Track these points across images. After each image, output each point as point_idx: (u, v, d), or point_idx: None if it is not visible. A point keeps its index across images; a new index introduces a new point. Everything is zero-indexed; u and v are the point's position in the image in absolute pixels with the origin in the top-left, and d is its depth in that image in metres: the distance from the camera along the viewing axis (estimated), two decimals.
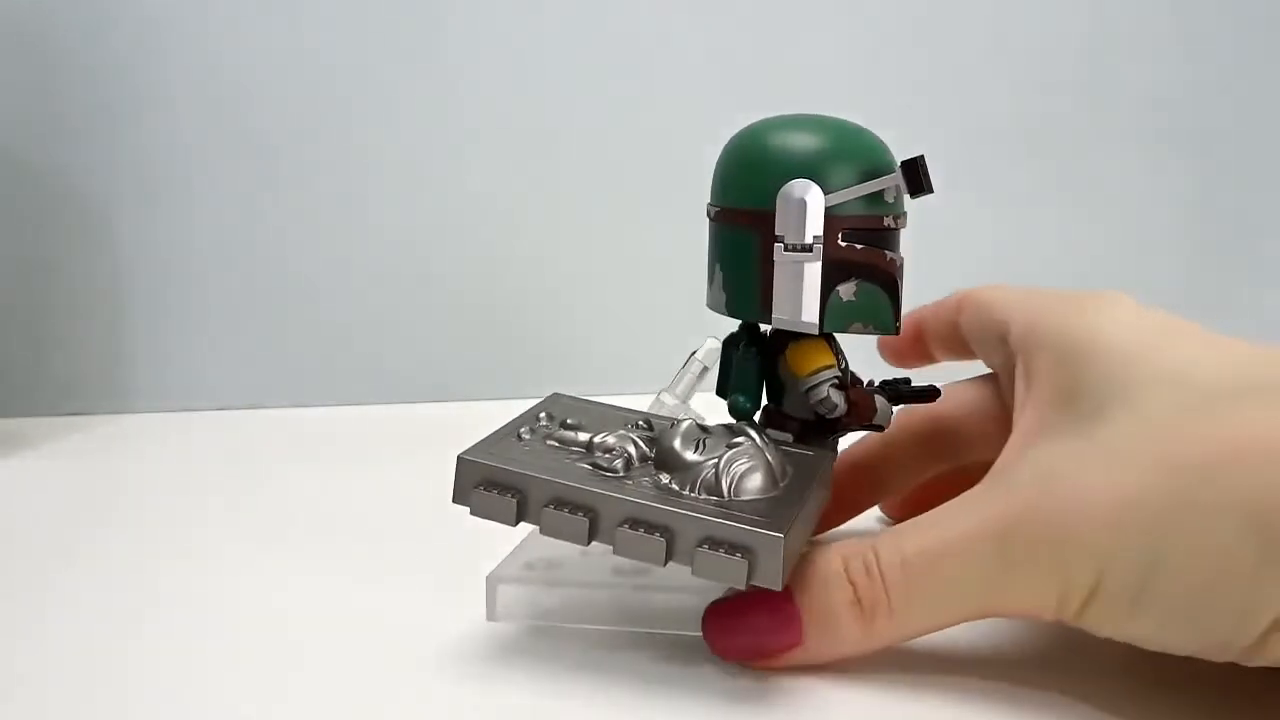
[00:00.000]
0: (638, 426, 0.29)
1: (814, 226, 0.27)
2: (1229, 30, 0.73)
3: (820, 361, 0.29)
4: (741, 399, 0.30)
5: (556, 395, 0.31)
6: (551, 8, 0.59)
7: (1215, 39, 0.73)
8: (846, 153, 0.28)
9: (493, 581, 0.28)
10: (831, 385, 0.29)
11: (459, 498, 0.25)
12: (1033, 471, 0.24)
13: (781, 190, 0.27)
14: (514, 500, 0.25)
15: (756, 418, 0.31)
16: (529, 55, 0.59)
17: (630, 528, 0.24)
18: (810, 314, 0.28)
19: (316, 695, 0.25)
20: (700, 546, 0.23)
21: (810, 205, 0.27)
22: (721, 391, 0.32)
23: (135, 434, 0.51)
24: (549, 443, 0.28)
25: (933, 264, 0.67)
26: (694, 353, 0.31)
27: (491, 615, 0.28)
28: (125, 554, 0.34)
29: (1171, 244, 0.75)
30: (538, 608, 0.28)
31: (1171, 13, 0.71)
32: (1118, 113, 0.71)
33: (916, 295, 0.62)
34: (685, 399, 0.31)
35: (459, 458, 0.25)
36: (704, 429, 0.27)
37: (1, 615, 0.29)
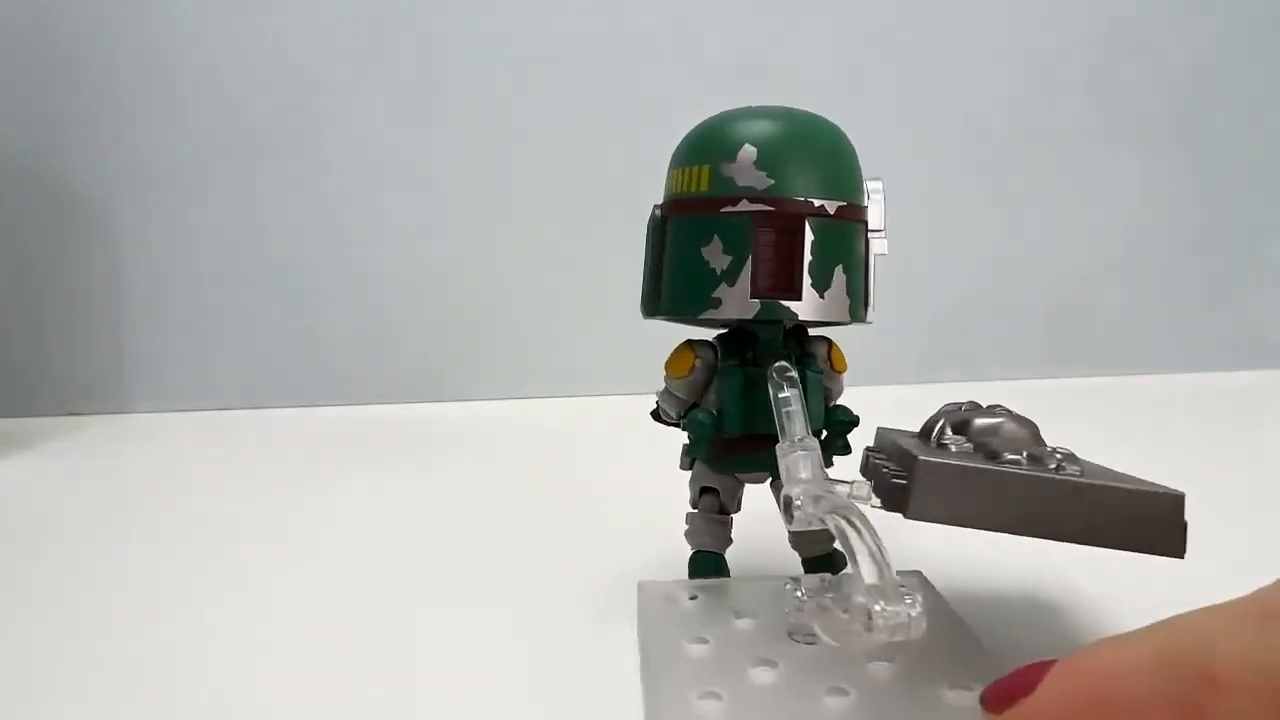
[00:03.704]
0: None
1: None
2: (1229, 30, 0.73)
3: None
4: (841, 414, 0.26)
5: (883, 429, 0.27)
6: (552, 11, 0.59)
7: (1215, 39, 0.73)
8: None
9: (644, 591, 0.26)
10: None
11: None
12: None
13: (871, 183, 0.25)
14: None
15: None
16: (524, 56, 0.59)
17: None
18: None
19: (315, 693, 0.25)
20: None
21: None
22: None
23: (135, 434, 0.51)
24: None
25: (933, 264, 0.67)
26: (782, 394, 0.24)
27: (641, 624, 0.25)
28: (125, 553, 0.34)
29: (1171, 243, 0.75)
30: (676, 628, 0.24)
31: (1172, 13, 0.71)
32: (1118, 113, 0.71)
33: (916, 294, 0.62)
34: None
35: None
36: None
37: (2, 614, 0.29)
